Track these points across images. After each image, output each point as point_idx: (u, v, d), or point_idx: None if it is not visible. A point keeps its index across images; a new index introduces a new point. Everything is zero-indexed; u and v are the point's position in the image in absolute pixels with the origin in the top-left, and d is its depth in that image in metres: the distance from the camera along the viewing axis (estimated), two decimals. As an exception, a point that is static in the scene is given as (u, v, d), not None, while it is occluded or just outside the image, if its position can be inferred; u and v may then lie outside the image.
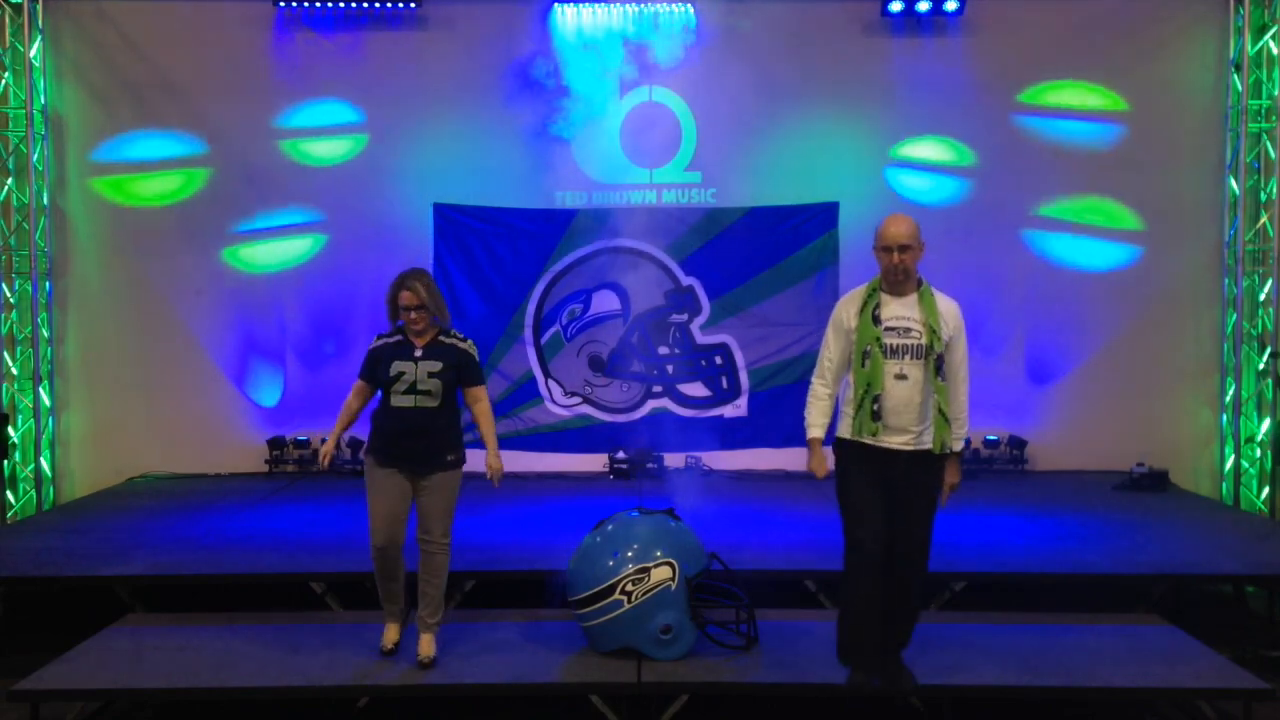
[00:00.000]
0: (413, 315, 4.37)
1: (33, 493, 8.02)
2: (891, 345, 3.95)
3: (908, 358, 3.95)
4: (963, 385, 4.08)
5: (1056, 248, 8.21)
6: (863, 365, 3.98)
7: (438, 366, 4.37)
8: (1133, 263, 8.15)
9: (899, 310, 3.99)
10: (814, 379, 4.15)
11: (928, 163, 8.21)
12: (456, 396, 4.50)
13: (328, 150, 8.19)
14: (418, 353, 4.40)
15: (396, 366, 4.38)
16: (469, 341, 4.53)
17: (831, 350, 4.12)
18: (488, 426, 4.51)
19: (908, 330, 3.96)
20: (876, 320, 3.98)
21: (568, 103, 8.03)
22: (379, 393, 4.49)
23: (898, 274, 3.98)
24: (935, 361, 3.95)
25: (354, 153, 8.19)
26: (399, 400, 4.37)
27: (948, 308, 4.06)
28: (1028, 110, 8.17)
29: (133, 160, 8.13)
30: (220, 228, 8.18)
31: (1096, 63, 8.06)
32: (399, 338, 4.47)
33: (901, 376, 3.95)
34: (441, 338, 4.46)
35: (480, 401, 4.52)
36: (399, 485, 4.41)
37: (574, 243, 8.13)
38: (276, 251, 8.23)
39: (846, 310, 4.09)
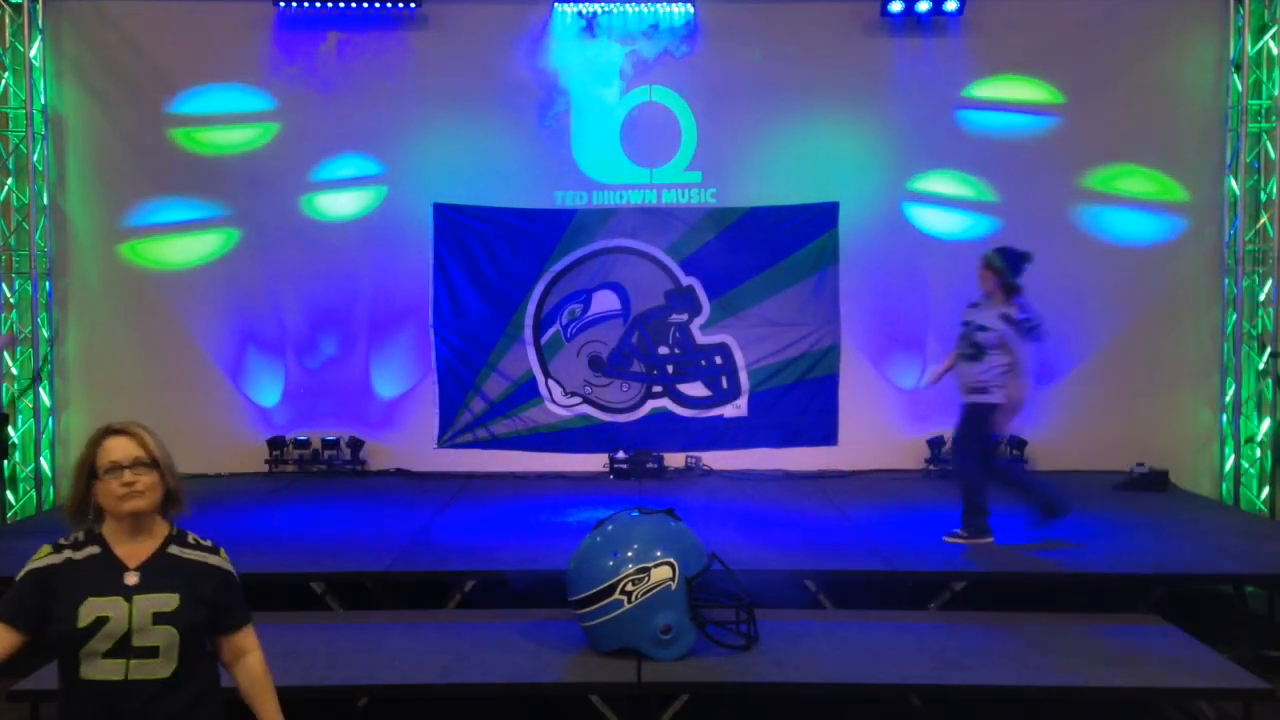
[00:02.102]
0: (125, 476, 2.51)
1: (33, 493, 8.02)
2: None
3: None
4: None
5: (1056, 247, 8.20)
6: None
7: (173, 603, 2.46)
8: (1132, 263, 8.13)
9: None
10: None
11: (928, 161, 8.20)
12: (204, 649, 2.59)
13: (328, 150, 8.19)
14: (131, 578, 2.46)
15: (93, 607, 2.40)
16: (221, 552, 2.61)
17: None
18: (263, 691, 2.64)
19: None
20: None
21: (568, 102, 8.04)
22: (59, 654, 2.45)
23: None
24: None
25: (353, 153, 8.19)
26: (98, 670, 2.41)
27: None
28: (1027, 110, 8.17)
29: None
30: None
31: (1096, 63, 8.05)
32: (93, 549, 2.50)
33: None
34: (174, 548, 2.55)
35: (249, 653, 2.64)
36: None
37: (574, 243, 8.13)
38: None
39: None
